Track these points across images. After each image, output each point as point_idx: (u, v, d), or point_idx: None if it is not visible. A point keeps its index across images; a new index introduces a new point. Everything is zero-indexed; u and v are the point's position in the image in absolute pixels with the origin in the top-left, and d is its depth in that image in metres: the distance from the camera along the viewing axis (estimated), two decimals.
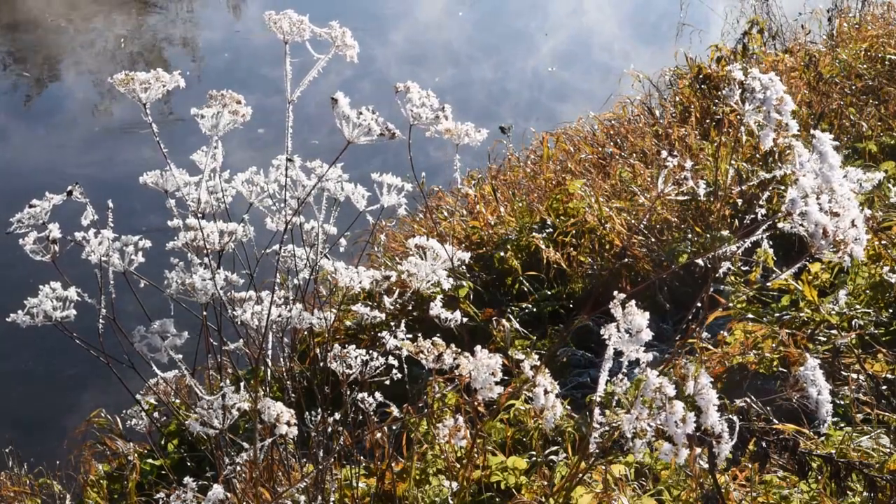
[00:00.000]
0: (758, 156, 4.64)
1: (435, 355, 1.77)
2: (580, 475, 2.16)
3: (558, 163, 5.73)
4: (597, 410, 1.72)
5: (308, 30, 1.92)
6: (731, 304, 3.49)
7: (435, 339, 1.81)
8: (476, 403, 1.99)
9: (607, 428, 1.80)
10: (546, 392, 1.76)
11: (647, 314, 1.76)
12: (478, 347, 1.77)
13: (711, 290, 1.81)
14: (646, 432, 1.68)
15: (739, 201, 4.15)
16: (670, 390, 1.65)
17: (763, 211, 1.56)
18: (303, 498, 2.30)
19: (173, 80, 1.93)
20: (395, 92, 1.89)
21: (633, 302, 1.71)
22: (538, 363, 1.77)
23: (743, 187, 4.22)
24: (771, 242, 1.93)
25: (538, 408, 1.77)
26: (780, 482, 2.57)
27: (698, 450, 1.70)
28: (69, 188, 2.09)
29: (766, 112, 1.54)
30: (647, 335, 1.73)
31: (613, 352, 1.80)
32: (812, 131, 1.58)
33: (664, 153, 2.16)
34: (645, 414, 1.67)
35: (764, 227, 1.57)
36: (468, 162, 6.13)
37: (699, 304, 1.89)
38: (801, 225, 1.51)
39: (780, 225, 1.53)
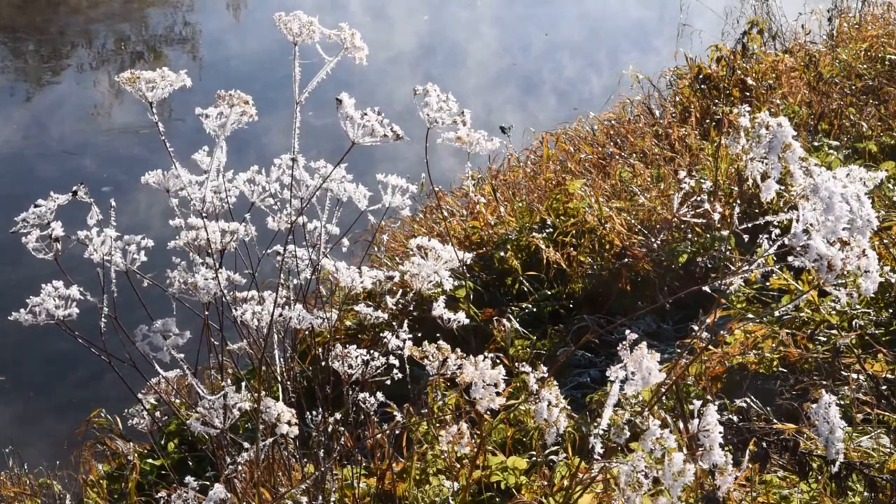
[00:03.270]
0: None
1: (440, 361, 1.76)
2: (582, 481, 2.16)
3: (558, 163, 5.73)
4: (598, 444, 1.70)
5: (318, 31, 1.91)
6: (731, 304, 3.49)
7: (440, 343, 1.81)
8: (477, 407, 1.99)
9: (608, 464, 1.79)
10: (550, 405, 1.75)
11: (657, 356, 1.72)
12: (480, 357, 1.76)
13: (712, 290, 1.80)
14: (641, 485, 1.67)
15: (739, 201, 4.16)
16: (671, 442, 1.64)
17: (777, 231, 1.53)
18: (304, 498, 2.30)
19: (179, 80, 1.93)
20: (413, 94, 1.89)
21: (643, 345, 1.68)
22: (545, 375, 1.76)
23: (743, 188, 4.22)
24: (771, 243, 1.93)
25: (542, 422, 1.76)
26: (780, 482, 2.57)
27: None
28: (74, 188, 2.08)
29: (770, 165, 1.51)
30: (658, 378, 1.67)
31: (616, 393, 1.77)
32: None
33: (682, 173, 2.15)
34: (642, 465, 1.66)
35: (771, 250, 1.55)
36: (469, 161, 6.13)
37: (706, 317, 1.87)
38: (805, 257, 1.47)
39: (790, 259, 1.51)
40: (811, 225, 1.47)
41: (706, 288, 1.66)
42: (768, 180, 1.52)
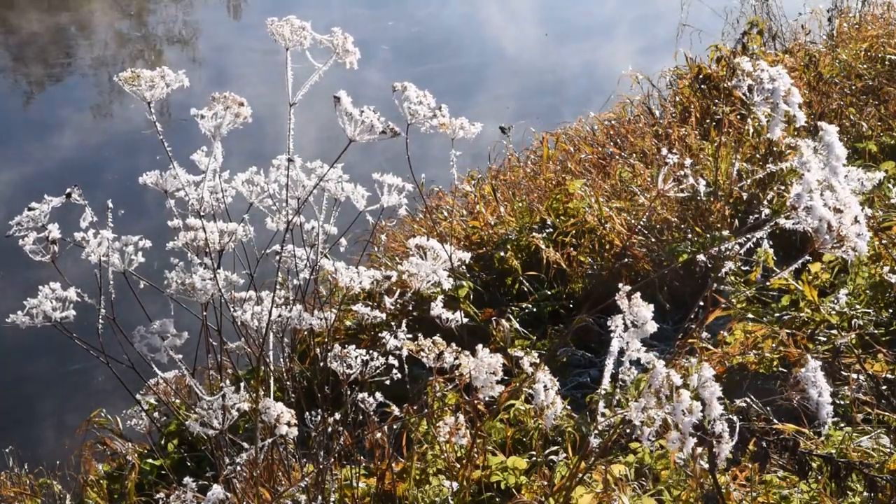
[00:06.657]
0: (758, 155, 4.64)
1: (436, 354, 1.77)
2: (580, 475, 2.16)
3: (558, 163, 5.73)
4: (601, 403, 1.72)
5: (309, 37, 1.93)
6: (731, 304, 3.48)
7: (436, 338, 1.81)
8: (476, 403, 1.99)
9: (610, 422, 1.80)
10: (546, 388, 1.76)
11: (651, 306, 1.75)
12: (479, 346, 1.77)
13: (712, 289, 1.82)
14: (653, 421, 1.68)
15: (743, 196, 4.16)
16: (677, 379, 1.65)
17: (767, 211, 1.57)
18: (303, 498, 2.30)
19: (178, 79, 1.94)
20: (392, 91, 1.91)
21: (637, 294, 1.72)
22: (538, 360, 1.78)
23: (743, 185, 4.22)
24: (771, 242, 1.93)
25: (538, 404, 1.77)
26: (780, 482, 2.57)
27: (699, 449, 1.69)
28: (68, 190, 2.08)
29: (773, 104, 1.55)
30: (653, 327, 1.73)
31: (617, 351, 1.80)
32: (817, 122, 1.60)
33: (664, 150, 2.18)
34: (653, 402, 1.67)
35: (767, 226, 1.58)
36: (469, 162, 6.12)
37: (701, 305, 1.89)
38: (806, 220, 1.52)
39: (783, 222, 1.54)
40: (811, 189, 1.51)
41: (704, 265, 1.68)
42: (774, 119, 1.55)
